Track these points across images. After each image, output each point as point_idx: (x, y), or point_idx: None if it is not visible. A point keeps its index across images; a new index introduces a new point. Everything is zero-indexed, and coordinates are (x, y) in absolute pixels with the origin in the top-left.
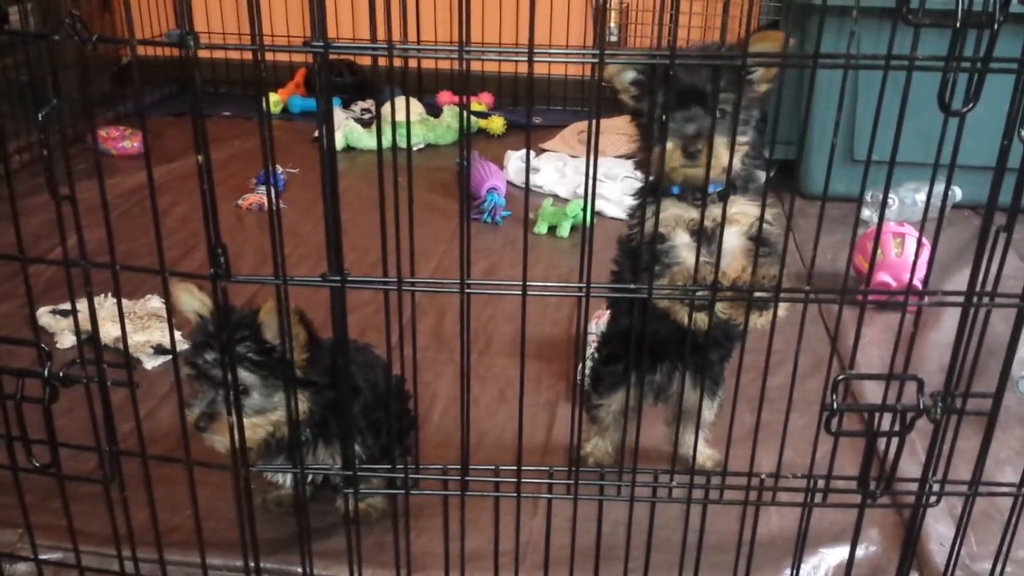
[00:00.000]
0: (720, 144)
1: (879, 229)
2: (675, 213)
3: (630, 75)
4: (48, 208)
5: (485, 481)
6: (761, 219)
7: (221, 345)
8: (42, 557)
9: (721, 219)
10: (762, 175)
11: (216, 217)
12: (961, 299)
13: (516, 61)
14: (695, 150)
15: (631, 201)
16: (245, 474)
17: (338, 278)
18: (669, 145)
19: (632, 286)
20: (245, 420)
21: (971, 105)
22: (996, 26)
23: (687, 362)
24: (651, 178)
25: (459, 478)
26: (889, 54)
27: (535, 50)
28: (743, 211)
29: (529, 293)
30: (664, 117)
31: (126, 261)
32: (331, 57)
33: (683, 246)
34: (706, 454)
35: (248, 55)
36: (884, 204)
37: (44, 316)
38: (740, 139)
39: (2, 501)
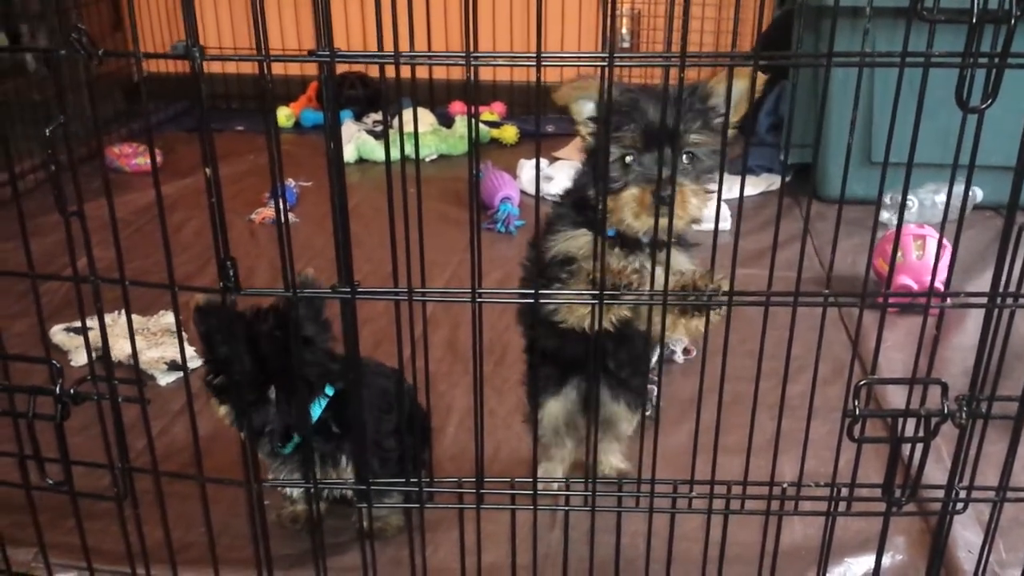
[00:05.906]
0: (691, 192)
1: (898, 232)
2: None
3: (589, 108)
4: (63, 226)
5: (501, 494)
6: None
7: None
8: None
9: (664, 263)
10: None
11: (225, 231)
12: (984, 300)
13: (525, 67)
14: (667, 195)
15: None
16: (257, 490)
17: (348, 289)
18: (635, 190)
19: (532, 291)
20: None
21: (990, 102)
22: (1013, 21)
23: (611, 378)
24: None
25: (474, 491)
26: (905, 51)
27: (543, 54)
28: (679, 268)
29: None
30: (628, 158)
31: (140, 277)
32: (343, 70)
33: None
34: (612, 465)
35: (257, 69)
36: (903, 206)
37: (58, 334)
38: (709, 187)
39: (16, 520)
